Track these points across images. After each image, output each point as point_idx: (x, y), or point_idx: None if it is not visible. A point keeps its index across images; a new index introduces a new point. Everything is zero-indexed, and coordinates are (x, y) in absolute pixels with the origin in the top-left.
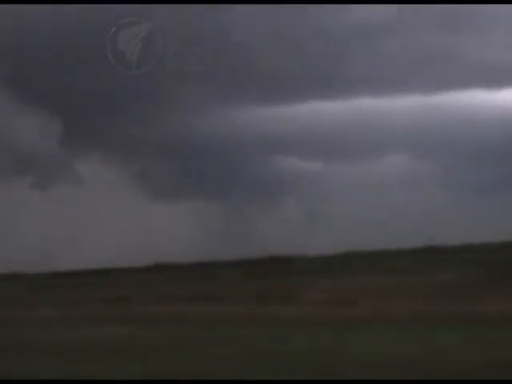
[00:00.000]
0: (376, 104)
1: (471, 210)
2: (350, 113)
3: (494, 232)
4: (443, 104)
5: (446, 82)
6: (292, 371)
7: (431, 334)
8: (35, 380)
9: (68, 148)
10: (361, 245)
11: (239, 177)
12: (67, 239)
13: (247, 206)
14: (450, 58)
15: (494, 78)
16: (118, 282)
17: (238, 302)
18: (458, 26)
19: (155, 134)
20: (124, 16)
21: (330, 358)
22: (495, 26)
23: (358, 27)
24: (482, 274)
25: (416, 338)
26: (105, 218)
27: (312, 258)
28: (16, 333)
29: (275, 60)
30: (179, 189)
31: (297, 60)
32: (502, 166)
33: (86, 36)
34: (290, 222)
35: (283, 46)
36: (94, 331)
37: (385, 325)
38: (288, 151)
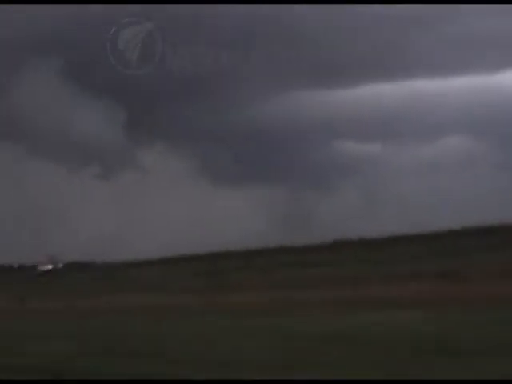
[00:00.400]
0: (433, 86)
1: None
2: (407, 95)
3: None
4: (500, 84)
5: (503, 62)
6: None
7: None
8: None
9: (132, 138)
10: (421, 226)
11: (299, 162)
12: (132, 228)
13: (308, 191)
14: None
15: None
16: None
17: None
18: None
19: (217, 121)
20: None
21: None
22: None
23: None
24: None
25: None
26: (169, 206)
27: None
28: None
29: (335, 46)
30: (241, 176)
31: (356, 45)
32: None
33: None
34: (349, 206)
35: (343, 32)
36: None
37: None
38: (347, 135)
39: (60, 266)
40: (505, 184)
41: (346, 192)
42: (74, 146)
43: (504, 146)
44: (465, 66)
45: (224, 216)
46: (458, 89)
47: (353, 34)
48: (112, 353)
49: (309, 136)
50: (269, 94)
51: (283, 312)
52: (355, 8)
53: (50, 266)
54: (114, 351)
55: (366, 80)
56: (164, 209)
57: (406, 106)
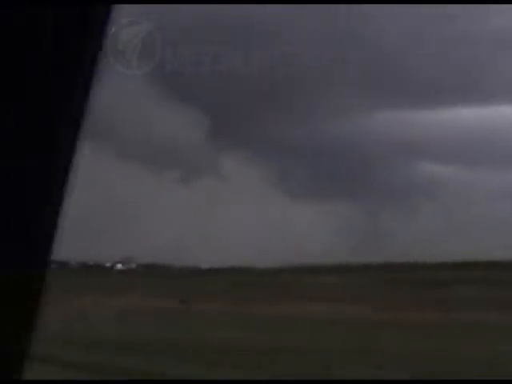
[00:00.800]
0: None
1: None
2: (490, 120)
3: None
4: None
5: None
6: None
7: None
8: None
9: (214, 145)
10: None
11: (379, 182)
12: (209, 235)
13: (385, 212)
14: None
15: None
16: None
17: None
18: None
19: (298, 135)
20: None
21: None
22: None
23: (504, 32)
24: None
25: None
26: (246, 216)
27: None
28: None
29: (417, 64)
30: (319, 191)
31: (439, 65)
32: None
33: None
34: (427, 229)
35: (426, 50)
36: None
37: None
38: (428, 157)
39: (133, 266)
40: None
41: (424, 215)
42: (158, 150)
43: None
44: None
45: (299, 230)
46: None
47: (435, 55)
48: None
49: (390, 156)
50: (352, 111)
51: None
52: (436, 28)
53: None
54: None
55: (447, 102)
56: (240, 218)
57: (490, 130)
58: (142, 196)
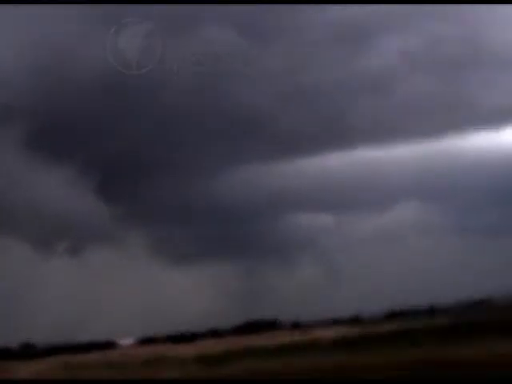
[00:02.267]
0: (380, 154)
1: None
2: (356, 164)
3: None
4: (444, 149)
5: (446, 126)
6: None
7: None
8: None
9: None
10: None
11: (255, 238)
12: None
13: (265, 268)
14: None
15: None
16: None
17: None
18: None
19: (170, 198)
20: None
21: None
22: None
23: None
24: None
25: None
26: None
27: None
28: None
29: (280, 115)
30: (197, 253)
31: (301, 114)
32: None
33: None
34: (307, 282)
35: (287, 101)
36: None
37: None
38: (301, 207)
39: None
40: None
41: (302, 267)
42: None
43: (457, 210)
44: (409, 132)
45: (178, 295)
46: (404, 156)
47: (296, 105)
48: None
49: (261, 210)
50: (220, 168)
51: None
52: (297, 78)
53: None
54: None
55: (317, 150)
56: (121, 288)
57: (358, 174)
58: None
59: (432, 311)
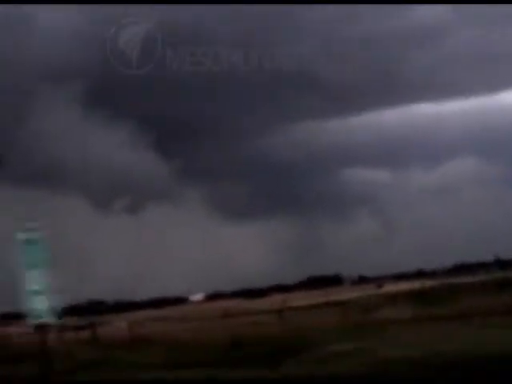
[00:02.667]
0: (436, 109)
1: None
2: (412, 118)
3: None
4: (500, 103)
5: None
6: None
7: None
8: None
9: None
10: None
11: (310, 193)
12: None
13: (322, 224)
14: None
15: None
16: None
17: None
18: None
19: (225, 157)
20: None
21: None
22: None
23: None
24: None
25: None
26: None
27: None
28: None
29: (332, 70)
30: (254, 209)
31: (353, 71)
32: None
33: None
34: (366, 238)
35: (338, 55)
36: None
37: None
38: (357, 162)
39: None
40: None
41: (360, 222)
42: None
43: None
44: (465, 87)
45: (237, 251)
46: (459, 110)
47: (346, 60)
48: None
49: (318, 166)
50: (275, 125)
51: None
52: (346, 33)
53: None
54: None
55: (371, 106)
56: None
57: (413, 129)
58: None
59: (501, 263)
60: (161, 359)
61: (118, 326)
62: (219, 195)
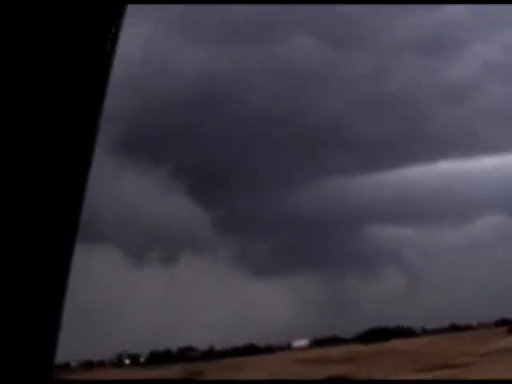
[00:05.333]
0: (462, 166)
1: None
2: (435, 176)
3: None
4: None
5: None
6: None
7: None
8: None
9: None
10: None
11: (337, 249)
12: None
13: (348, 280)
14: None
15: None
16: None
17: None
18: None
19: (253, 210)
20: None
21: None
22: None
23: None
24: None
25: None
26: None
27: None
28: None
29: (359, 127)
30: (280, 265)
31: (381, 126)
32: None
33: None
34: (391, 294)
35: (366, 111)
36: None
37: None
38: (382, 219)
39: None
40: None
41: (386, 276)
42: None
43: None
44: (491, 144)
45: (260, 307)
46: (486, 168)
47: (374, 116)
48: None
49: (345, 222)
50: (302, 180)
51: None
52: (374, 88)
53: None
54: None
55: (396, 163)
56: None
57: (439, 187)
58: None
59: None
60: None
61: None
62: (248, 249)
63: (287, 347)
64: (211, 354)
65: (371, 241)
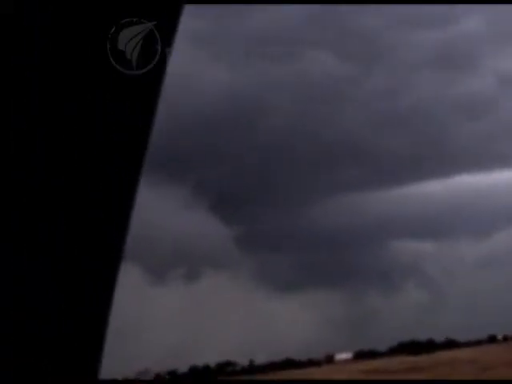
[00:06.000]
0: (482, 180)
1: None
2: (455, 190)
3: None
4: None
5: None
6: None
7: None
8: None
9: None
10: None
11: (359, 265)
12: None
13: (369, 292)
14: None
15: None
16: None
17: None
18: None
19: (273, 225)
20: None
21: None
22: None
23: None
24: None
25: None
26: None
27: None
28: None
29: (378, 142)
30: (300, 281)
31: (400, 141)
32: None
33: None
34: (414, 309)
35: (385, 126)
36: None
37: None
38: (404, 234)
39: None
40: None
41: (408, 292)
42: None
43: None
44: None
45: (283, 322)
46: (508, 181)
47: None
48: None
49: (366, 237)
50: (322, 195)
51: None
52: (392, 102)
53: None
54: None
55: (413, 178)
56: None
57: (459, 201)
58: (146, 302)
59: None
60: None
61: None
62: (271, 265)
63: (330, 360)
64: (252, 369)
65: (392, 255)
